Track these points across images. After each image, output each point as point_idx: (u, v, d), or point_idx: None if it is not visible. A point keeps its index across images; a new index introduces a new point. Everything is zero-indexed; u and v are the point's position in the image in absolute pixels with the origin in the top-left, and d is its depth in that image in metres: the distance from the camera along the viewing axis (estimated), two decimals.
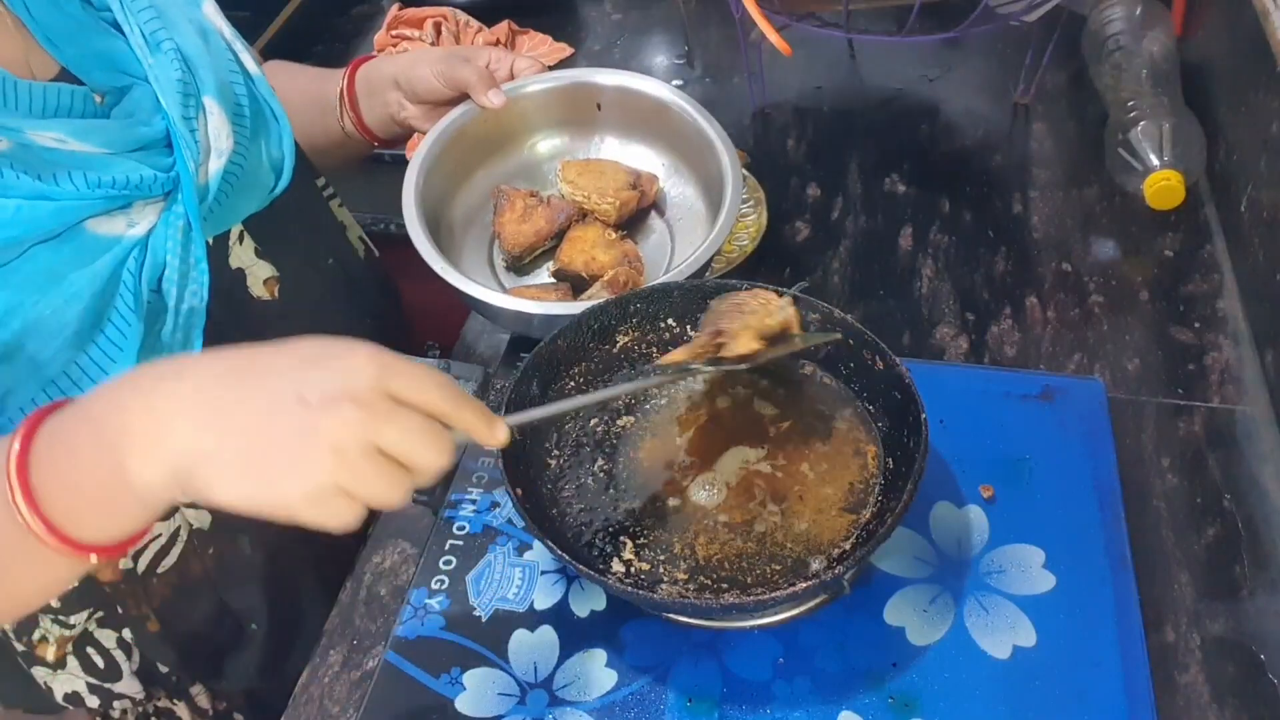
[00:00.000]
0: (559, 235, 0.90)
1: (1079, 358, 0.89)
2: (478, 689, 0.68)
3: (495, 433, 0.55)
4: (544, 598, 0.72)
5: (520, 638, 0.70)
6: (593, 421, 0.77)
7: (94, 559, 0.52)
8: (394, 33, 1.36)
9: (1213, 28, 1.10)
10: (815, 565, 0.67)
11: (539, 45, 1.35)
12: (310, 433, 0.47)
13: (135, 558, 0.78)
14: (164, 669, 0.83)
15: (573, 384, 0.78)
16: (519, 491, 0.67)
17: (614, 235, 0.89)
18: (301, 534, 0.85)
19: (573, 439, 0.76)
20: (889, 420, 0.73)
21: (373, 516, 0.84)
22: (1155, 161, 0.96)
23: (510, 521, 0.77)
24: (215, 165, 0.71)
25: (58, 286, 0.64)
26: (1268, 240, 0.89)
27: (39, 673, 0.81)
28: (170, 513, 0.78)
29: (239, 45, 0.77)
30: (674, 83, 1.27)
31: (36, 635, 0.78)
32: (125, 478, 0.50)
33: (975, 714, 0.64)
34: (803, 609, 0.70)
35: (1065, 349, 0.90)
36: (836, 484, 0.72)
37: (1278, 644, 0.70)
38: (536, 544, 0.74)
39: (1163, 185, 0.95)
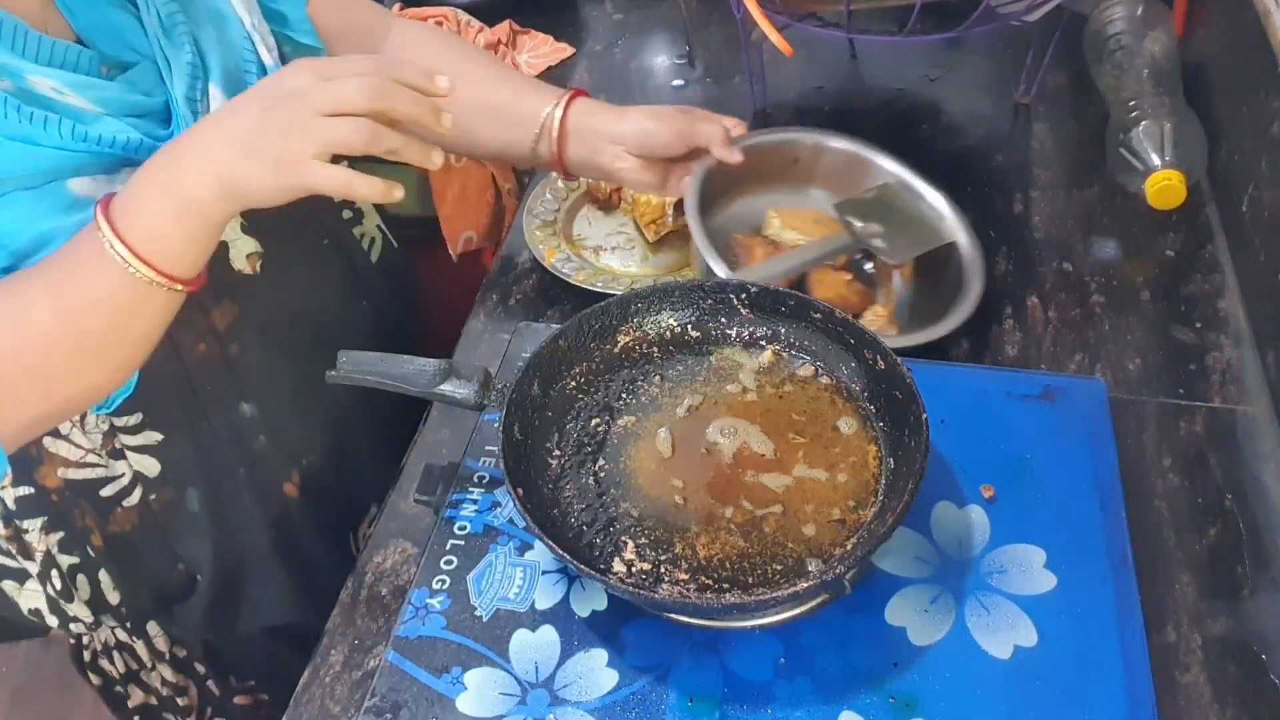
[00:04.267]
0: (798, 280, 0.93)
1: (1080, 358, 0.89)
2: (479, 689, 0.68)
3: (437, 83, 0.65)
4: (545, 597, 0.72)
5: (521, 637, 0.70)
6: (594, 421, 0.77)
7: (179, 289, 0.65)
8: None
9: (1214, 28, 1.10)
10: (816, 565, 0.67)
11: (540, 45, 1.35)
12: (288, 128, 0.62)
13: (100, 488, 0.80)
14: (113, 599, 0.84)
15: (574, 384, 0.78)
16: (520, 491, 0.67)
17: (849, 276, 0.94)
18: (251, 494, 0.87)
19: (574, 439, 0.76)
20: (890, 420, 0.73)
21: (375, 515, 0.84)
22: (1156, 161, 0.96)
23: (511, 521, 0.77)
24: None
25: (36, 232, 0.66)
26: (1269, 240, 0.89)
27: (7, 586, 0.83)
28: (119, 455, 0.80)
29: (257, 36, 0.78)
30: (674, 83, 1.28)
31: (24, 524, 0.80)
32: (186, 194, 0.63)
33: (976, 714, 0.64)
34: (804, 609, 0.70)
35: (1066, 349, 0.90)
36: (837, 484, 0.72)
37: (1279, 644, 0.70)
38: (537, 544, 0.74)
39: (1164, 185, 0.94)
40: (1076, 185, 1.06)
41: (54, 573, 0.82)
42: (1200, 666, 0.69)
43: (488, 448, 0.82)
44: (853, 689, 0.66)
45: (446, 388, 0.75)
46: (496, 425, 0.71)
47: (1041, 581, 0.70)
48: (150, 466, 0.81)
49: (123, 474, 0.81)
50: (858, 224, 0.92)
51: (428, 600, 0.72)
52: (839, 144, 1.01)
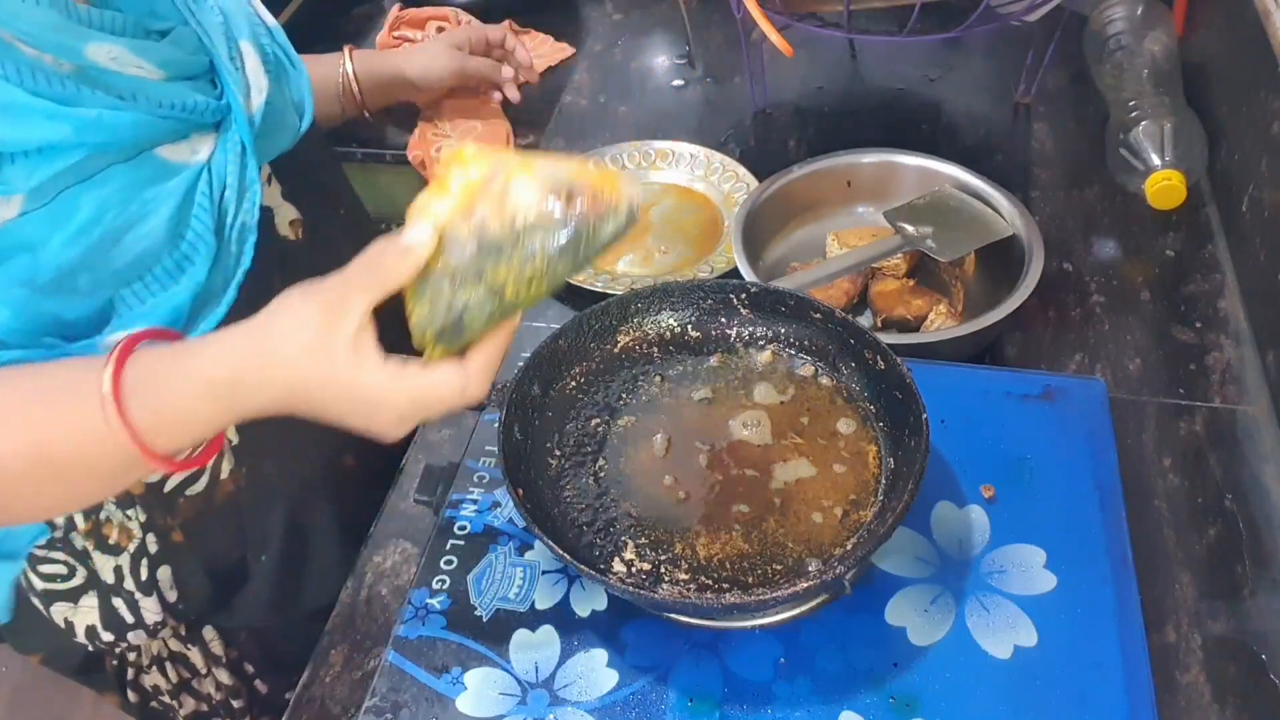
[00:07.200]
0: (860, 294, 0.97)
1: (1080, 358, 0.89)
2: (479, 689, 0.68)
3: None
4: (545, 598, 0.72)
5: (521, 637, 0.70)
6: (594, 421, 0.77)
7: (164, 468, 0.63)
8: (396, 34, 1.36)
9: (1214, 27, 1.10)
10: (816, 565, 0.67)
11: (540, 45, 1.35)
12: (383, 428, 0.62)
13: (164, 478, 0.79)
14: (170, 598, 0.84)
15: (574, 384, 0.78)
16: (520, 491, 0.67)
17: (910, 283, 0.95)
18: (319, 464, 0.88)
19: (574, 439, 0.76)
20: (890, 420, 0.73)
21: (377, 513, 0.84)
22: (1157, 161, 0.96)
23: (511, 521, 0.77)
24: (257, 100, 0.76)
25: (138, 201, 0.68)
26: (1269, 240, 0.89)
27: (60, 609, 0.82)
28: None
29: (257, 2, 0.83)
30: (674, 83, 1.28)
31: (103, 515, 0.79)
32: (232, 411, 0.62)
33: (976, 714, 0.64)
34: (804, 609, 0.70)
35: (1066, 349, 0.90)
36: (837, 484, 0.72)
37: (1279, 644, 0.70)
38: (537, 544, 0.74)
39: (1164, 185, 0.94)
40: (1076, 185, 1.06)
41: (143, 564, 0.81)
42: (1200, 666, 0.69)
43: (488, 448, 0.82)
44: (853, 689, 0.66)
45: None
46: (496, 425, 0.71)
47: (1041, 581, 0.70)
48: (230, 434, 0.81)
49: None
50: (909, 228, 0.93)
51: (428, 600, 0.72)
52: (893, 159, 1.03)
